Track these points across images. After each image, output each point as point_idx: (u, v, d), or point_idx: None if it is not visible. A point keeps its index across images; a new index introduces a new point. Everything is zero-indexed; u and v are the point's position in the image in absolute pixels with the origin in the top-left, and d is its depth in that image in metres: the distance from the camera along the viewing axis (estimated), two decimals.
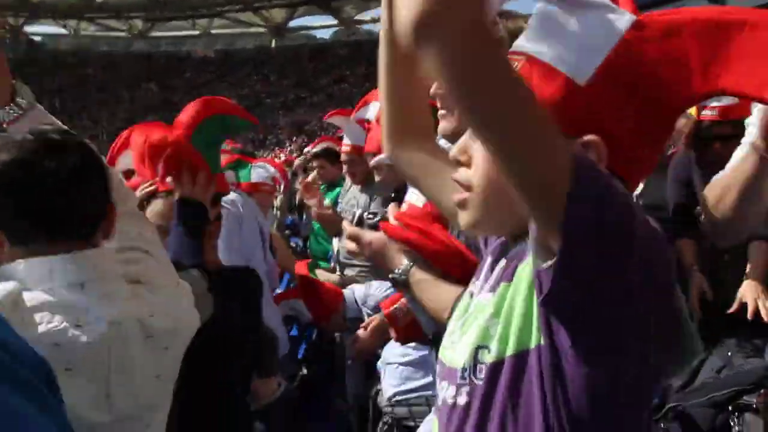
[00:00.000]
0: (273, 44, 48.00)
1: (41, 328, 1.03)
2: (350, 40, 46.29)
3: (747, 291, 2.15)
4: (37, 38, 55.68)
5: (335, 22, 46.95)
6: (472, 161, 0.89)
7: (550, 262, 0.72)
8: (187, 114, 1.76)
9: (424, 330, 1.36)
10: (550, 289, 0.72)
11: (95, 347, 1.07)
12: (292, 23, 48.49)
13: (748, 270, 2.22)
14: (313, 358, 3.55)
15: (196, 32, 50.93)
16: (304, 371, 3.40)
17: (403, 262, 1.27)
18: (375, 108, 3.36)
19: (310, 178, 3.59)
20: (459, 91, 0.70)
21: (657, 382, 0.87)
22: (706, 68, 0.79)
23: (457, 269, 1.22)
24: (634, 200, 0.80)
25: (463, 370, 0.83)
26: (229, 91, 42.02)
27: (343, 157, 3.41)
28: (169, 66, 47.40)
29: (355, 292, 2.43)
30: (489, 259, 0.95)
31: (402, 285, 1.27)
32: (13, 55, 52.20)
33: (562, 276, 0.71)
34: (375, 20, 47.40)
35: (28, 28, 53.06)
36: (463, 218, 0.91)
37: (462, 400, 0.83)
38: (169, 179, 1.71)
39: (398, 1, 0.68)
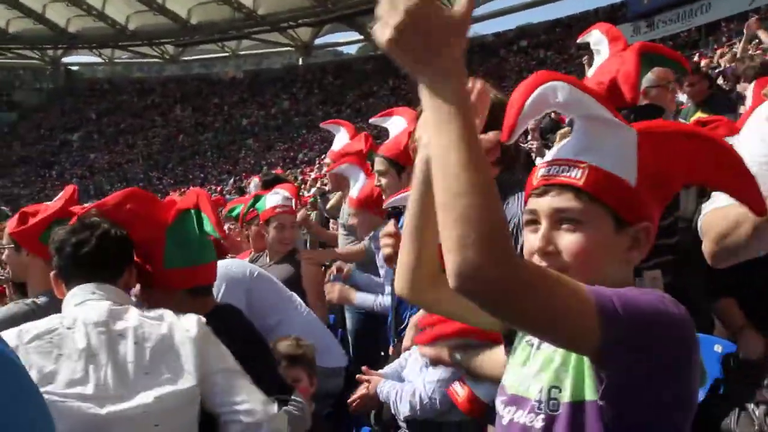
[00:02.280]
0: (300, 62, 48.71)
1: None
2: (376, 54, 46.72)
3: None
4: (75, 68, 57.52)
5: (360, 37, 47.47)
6: (560, 249, 1.12)
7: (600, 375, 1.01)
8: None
9: (485, 400, 1.74)
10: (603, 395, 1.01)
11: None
12: (319, 41, 49.17)
13: None
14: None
15: (226, 54, 51.97)
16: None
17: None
18: (398, 122, 3.54)
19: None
20: (507, 320, 1.03)
21: None
22: (693, 166, 1.13)
23: (482, 334, 1.53)
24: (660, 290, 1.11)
25: (538, 402, 1.09)
26: (258, 110, 42.77)
27: (349, 210, 3.58)
28: (200, 89, 48.45)
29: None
30: None
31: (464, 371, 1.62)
32: (53, 85, 54.05)
33: (611, 389, 1.00)
34: None
35: (66, 59, 54.89)
36: None
37: (538, 424, 1.08)
38: None
39: (445, 240, 0.90)
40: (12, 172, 42.67)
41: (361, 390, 2.52)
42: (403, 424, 2.45)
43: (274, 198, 3.56)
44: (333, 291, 3.37)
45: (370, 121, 3.82)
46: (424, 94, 0.97)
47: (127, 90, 50.99)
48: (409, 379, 2.42)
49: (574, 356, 1.07)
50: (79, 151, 44.03)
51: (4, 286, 3.30)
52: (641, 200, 1.09)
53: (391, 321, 3.04)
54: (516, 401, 1.14)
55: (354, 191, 3.46)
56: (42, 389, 1.39)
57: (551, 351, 1.11)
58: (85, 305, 1.69)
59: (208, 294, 2.11)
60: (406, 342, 2.56)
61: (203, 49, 52.39)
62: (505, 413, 1.16)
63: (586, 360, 1.03)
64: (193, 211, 2.02)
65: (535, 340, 1.16)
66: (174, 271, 1.95)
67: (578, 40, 3.80)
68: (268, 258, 3.61)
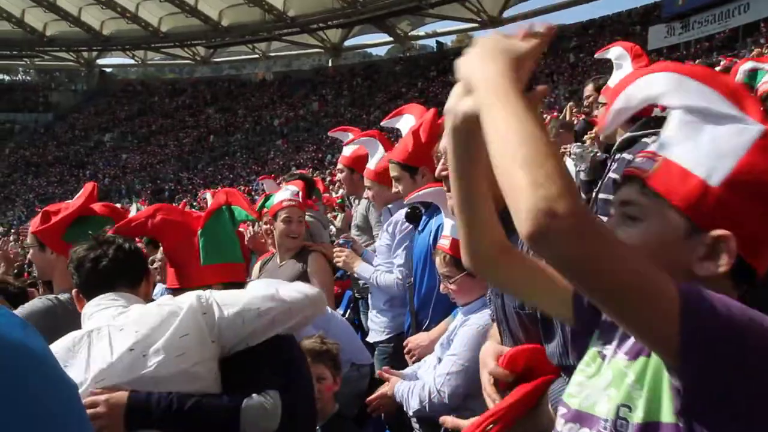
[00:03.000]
0: (329, 64, 48.92)
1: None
2: (405, 56, 46.69)
3: None
4: (108, 70, 58.69)
5: (390, 39, 47.49)
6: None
7: (678, 386, 0.87)
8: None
9: None
10: (683, 408, 0.87)
11: None
12: (348, 42, 49.32)
13: None
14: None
15: (256, 56, 52.46)
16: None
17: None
18: (408, 120, 3.56)
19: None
20: (578, 283, 0.89)
21: None
22: None
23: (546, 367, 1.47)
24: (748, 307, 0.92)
25: (605, 420, 0.97)
26: (287, 111, 43.05)
27: (366, 182, 3.53)
28: (230, 90, 48.97)
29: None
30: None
31: None
32: (87, 87, 55.18)
33: (690, 401, 0.85)
34: (429, 35, 47.71)
35: (100, 61, 56.00)
36: None
37: None
38: None
39: (512, 200, 0.83)
40: (47, 171, 43.64)
41: (381, 390, 2.52)
42: (416, 425, 2.43)
43: (282, 194, 3.65)
44: (341, 255, 3.38)
45: (382, 124, 3.82)
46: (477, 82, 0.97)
47: (159, 91, 51.78)
48: (422, 376, 2.42)
49: (650, 372, 0.94)
50: (112, 152, 44.84)
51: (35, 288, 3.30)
52: (723, 204, 0.94)
53: (409, 325, 3.05)
54: (580, 418, 1.02)
55: (371, 163, 3.46)
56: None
57: (624, 365, 0.98)
58: (107, 310, 1.78)
59: None
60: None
61: (234, 51, 52.96)
62: (565, 430, 1.04)
63: (665, 375, 0.90)
64: (224, 208, 2.14)
65: (608, 351, 1.04)
66: (210, 267, 2.07)
67: (596, 56, 3.73)
68: (278, 259, 3.61)
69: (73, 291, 1.91)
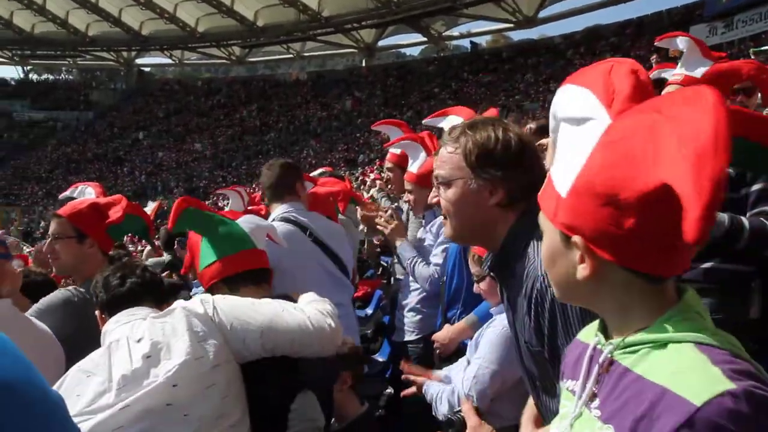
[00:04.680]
0: (363, 63, 49.04)
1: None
2: (439, 56, 46.53)
3: None
4: (147, 69, 59.86)
5: (424, 39, 47.38)
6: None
7: None
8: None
9: None
10: None
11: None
12: (382, 42, 49.39)
13: None
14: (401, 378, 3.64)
15: (291, 55, 52.91)
16: (390, 390, 3.49)
17: None
18: (453, 121, 3.48)
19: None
20: None
21: None
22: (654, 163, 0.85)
23: None
24: None
25: None
26: (321, 111, 43.29)
27: (406, 185, 3.47)
28: (265, 89, 49.46)
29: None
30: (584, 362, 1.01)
31: None
32: (126, 86, 56.39)
33: None
34: (463, 35, 47.46)
35: (139, 60, 57.17)
36: None
37: None
38: None
39: None
40: (86, 168, 44.69)
41: (411, 390, 2.50)
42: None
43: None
44: (390, 223, 3.40)
45: (424, 122, 3.77)
46: None
47: (195, 90, 52.59)
48: (453, 378, 2.41)
49: None
50: (148, 149, 45.69)
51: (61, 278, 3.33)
52: (568, 210, 0.93)
53: (440, 323, 3.07)
54: None
55: (414, 166, 3.42)
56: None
57: (598, 426, 0.93)
58: (126, 325, 1.79)
59: (254, 282, 2.10)
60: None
61: (268, 51, 53.51)
62: None
63: None
64: (191, 210, 2.16)
65: (577, 390, 1.00)
66: (204, 271, 2.11)
67: (656, 43, 3.63)
68: None
69: (97, 311, 1.93)
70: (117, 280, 1.91)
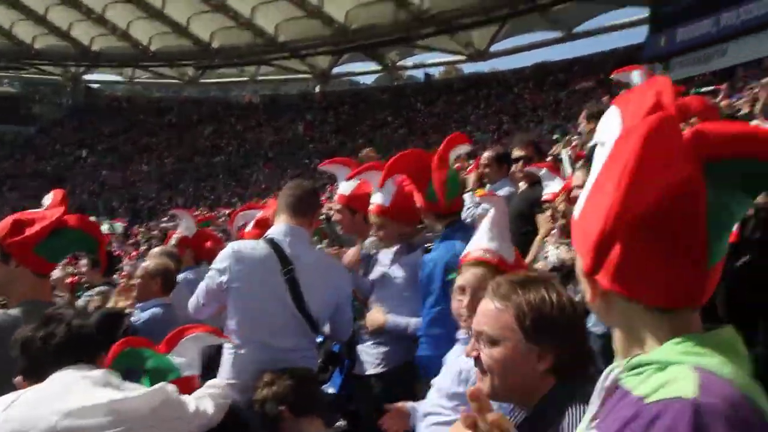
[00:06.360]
0: (317, 89, 49.12)
1: None
2: (392, 85, 47.04)
3: None
4: (95, 85, 58.33)
5: (378, 67, 47.88)
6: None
7: None
8: None
9: None
10: None
11: None
12: (337, 69, 49.62)
13: None
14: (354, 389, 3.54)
15: (245, 78, 52.54)
16: (343, 423, 3.37)
17: None
18: (342, 173, 3.61)
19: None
20: None
21: None
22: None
23: None
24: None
25: None
26: (272, 135, 43.03)
27: (373, 218, 3.37)
28: (217, 111, 48.89)
29: None
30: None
31: None
32: (72, 101, 54.78)
33: None
34: (417, 66, 48.21)
35: (87, 76, 55.72)
36: None
37: None
38: None
39: None
40: (25, 185, 42.96)
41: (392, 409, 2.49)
42: None
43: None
44: (350, 257, 3.44)
45: (319, 167, 3.86)
46: None
47: (145, 109, 51.53)
48: (419, 410, 2.39)
49: None
50: (92, 168, 44.35)
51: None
52: (576, 231, 1.01)
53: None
54: None
55: (382, 199, 3.31)
56: None
57: None
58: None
59: None
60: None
61: (222, 73, 53.02)
62: None
63: None
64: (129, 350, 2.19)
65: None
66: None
67: (613, 76, 3.76)
68: None
69: (16, 379, 1.77)
70: (39, 342, 1.71)
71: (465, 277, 2.24)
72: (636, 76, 3.29)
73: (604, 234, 0.79)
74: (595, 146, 0.98)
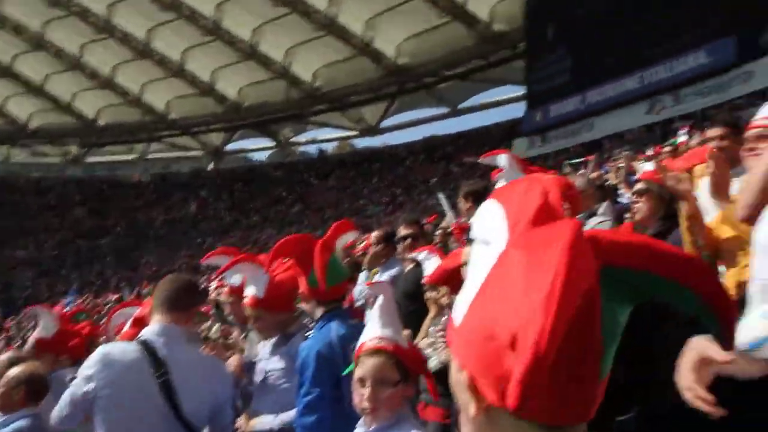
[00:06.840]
0: (210, 166, 48.48)
1: None
2: (286, 162, 47.30)
3: None
4: None
5: (272, 144, 48.13)
6: None
7: None
8: None
9: None
10: None
11: None
12: (230, 146, 49.37)
13: None
14: None
15: (134, 156, 51.03)
16: None
17: None
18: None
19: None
20: None
21: None
22: None
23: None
24: None
25: None
26: (163, 214, 41.65)
27: (249, 311, 3.34)
28: (102, 190, 46.86)
29: None
30: None
31: None
32: None
33: None
34: (310, 142, 48.91)
35: None
36: None
37: None
38: None
39: None
40: None
41: None
42: None
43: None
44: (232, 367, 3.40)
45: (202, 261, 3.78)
46: None
47: (22, 190, 48.46)
48: None
49: None
50: None
51: None
52: (459, 339, 0.90)
53: None
54: None
55: (256, 291, 3.26)
56: None
57: None
58: None
59: None
60: None
61: (109, 150, 51.25)
62: None
63: None
64: None
65: None
66: None
67: (480, 160, 3.94)
68: None
69: None
70: None
71: (363, 368, 2.20)
72: (503, 159, 3.45)
73: (537, 361, 0.72)
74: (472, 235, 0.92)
